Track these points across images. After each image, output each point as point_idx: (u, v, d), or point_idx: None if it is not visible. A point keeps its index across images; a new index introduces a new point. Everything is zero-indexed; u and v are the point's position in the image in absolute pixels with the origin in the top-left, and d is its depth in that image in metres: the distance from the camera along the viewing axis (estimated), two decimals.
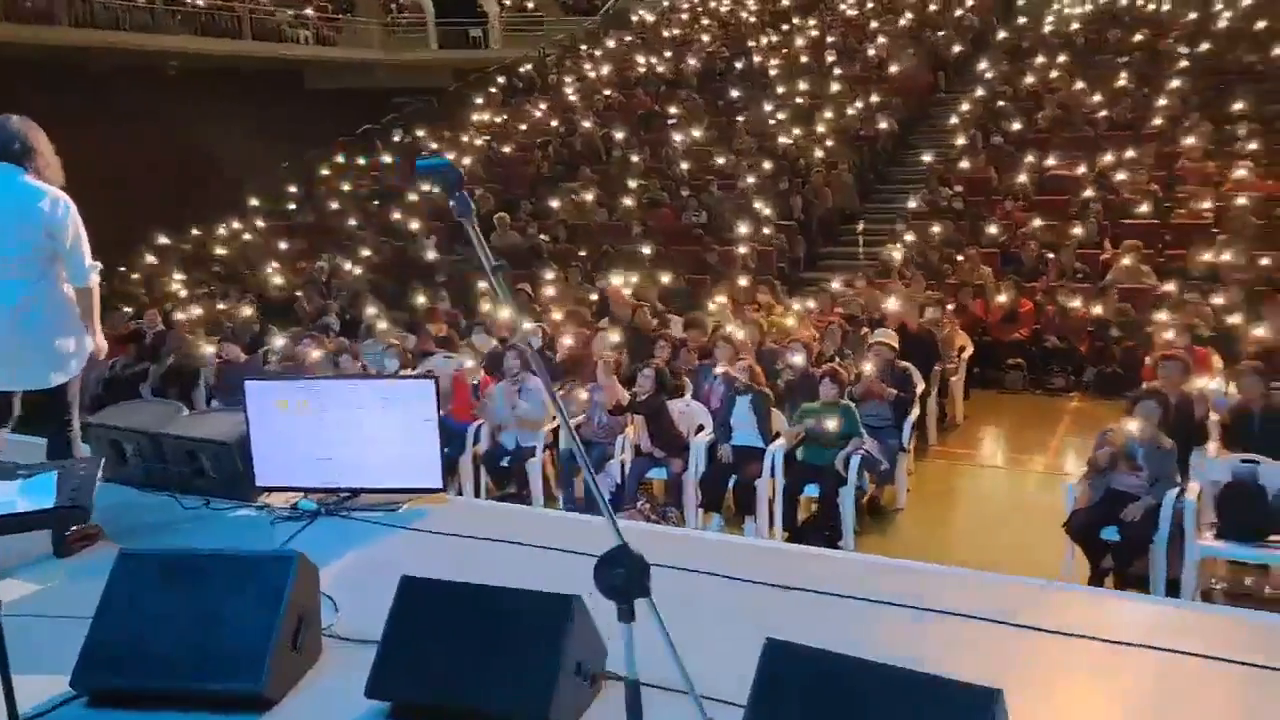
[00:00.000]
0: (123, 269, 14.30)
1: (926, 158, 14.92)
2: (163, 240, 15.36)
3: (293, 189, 18.19)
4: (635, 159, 15.84)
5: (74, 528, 4.17)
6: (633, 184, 14.87)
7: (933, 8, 20.62)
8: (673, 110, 18.11)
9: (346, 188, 16.74)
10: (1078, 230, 11.22)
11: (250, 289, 12.54)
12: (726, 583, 3.42)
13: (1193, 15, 17.17)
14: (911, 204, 13.11)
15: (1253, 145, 12.21)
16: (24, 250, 4.02)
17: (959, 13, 20.35)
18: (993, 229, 11.84)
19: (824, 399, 6.71)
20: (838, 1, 22.72)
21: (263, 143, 18.70)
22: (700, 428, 7.19)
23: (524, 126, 18.49)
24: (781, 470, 6.65)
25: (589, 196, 14.80)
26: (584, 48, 23.90)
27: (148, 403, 5.83)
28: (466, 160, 16.46)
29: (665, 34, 23.30)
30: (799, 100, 16.95)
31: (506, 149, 17.43)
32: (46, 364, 4.16)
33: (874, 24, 20.24)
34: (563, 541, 3.82)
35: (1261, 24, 16.07)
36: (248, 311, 10.89)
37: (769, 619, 2.96)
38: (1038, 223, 11.57)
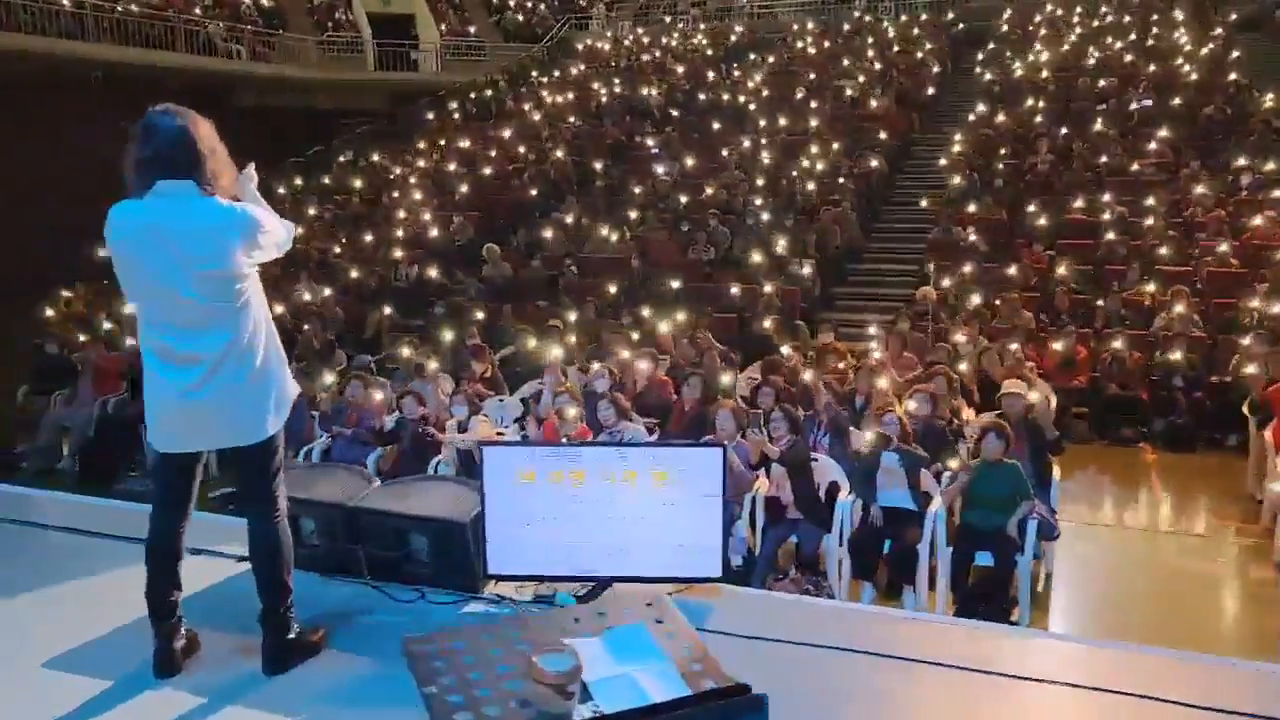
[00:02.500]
0: (68, 293, 12.91)
1: (922, 199, 14.80)
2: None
3: None
4: (637, 190, 15.21)
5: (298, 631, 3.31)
6: (633, 214, 14.25)
7: (896, 49, 20.70)
8: (649, 142, 17.62)
9: (312, 211, 15.58)
10: (1131, 275, 11.09)
11: None
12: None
13: (1152, 67, 17.60)
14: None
15: (1276, 194, 12.39)
16: (220, 292, 3.13)
17: (919, 55, 20.53)
18: (1011, 271, 11.64)
19: (987, 456, 6.19)
20: (794, 39, 22.68)
21: None
22: (833, 486, 6.58)
23: (493, 153, 17.67)
24: (944, 535, 6.10)
25: (601, 230, 14.09)
26: (535, 75, 23.23)
27: (323, 468, 4.88)
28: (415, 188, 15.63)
29: (617, 64, 22.87)
30: (785, 135, 16.64)
31: (486, 171, 16.56)
32: (252, 417, 3.29)
33: (845, 61, 20.16)
34: (880, 644, 3.21)
35: (1232, 76, 16.58)
36: None
37: None
38: (1063, 269, 11.41)
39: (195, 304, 3.11)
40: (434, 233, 14.25)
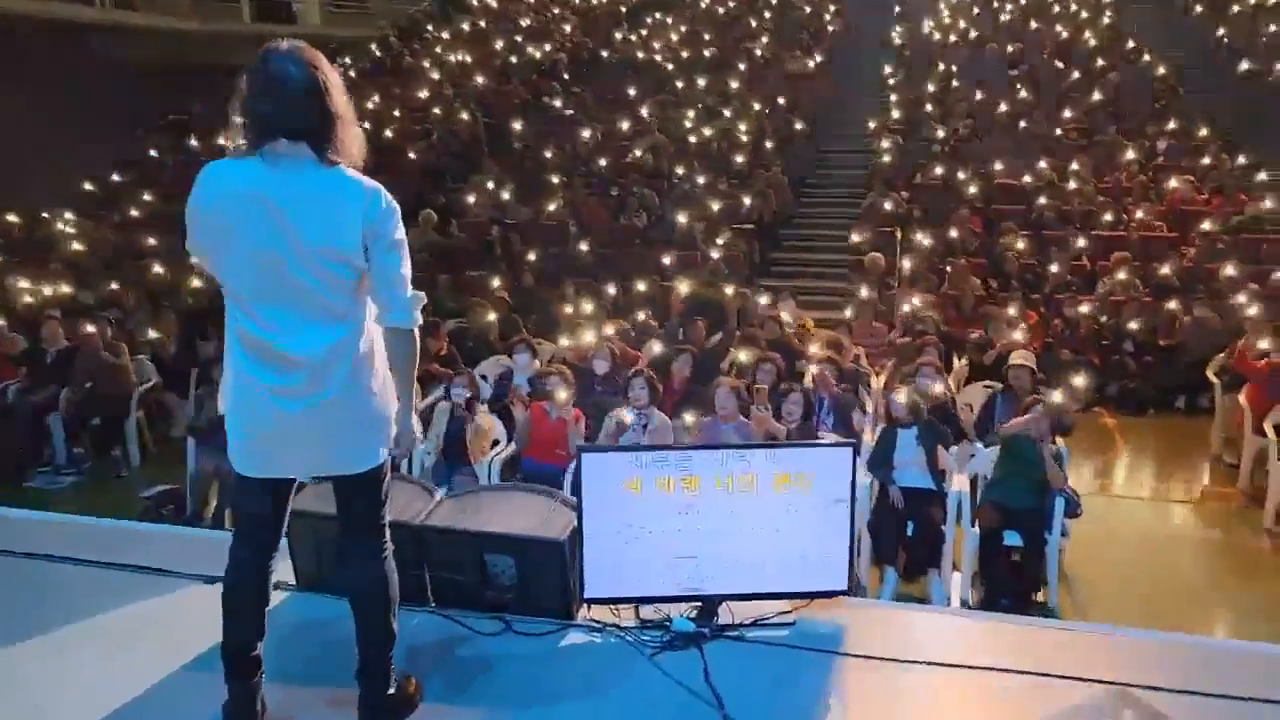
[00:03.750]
0: None
1: (848, 163, 14.68)
2: None
3: (117, 177, 15.65)
4: (548, 154, 14.54)
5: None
6: (555, 179, 13.62)
7: (807, 9, 20.48)
8: (557, 103, 16.93)
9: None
10: (1081, 242, 11.14)
11: (150, 294, 10.32)
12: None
13: (1063, 33, 17.89)
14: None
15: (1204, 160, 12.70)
16: (335, 278, 2.57)
17: (827, 16, 20.38)
18: (953, 234, 11.58)
19: (1026, 431, 5.96)
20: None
21: (49, 115, 16.01)
22: None
23: (396, 112, 16.68)
24: (969, 515, 5.88)
25: (505, 194, 13.40)
26: (429, 29, 22.11)
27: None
28: None
29: (515, 19, 21.97)
30: (708, 98, 16.22)
31: (388, 134, 15.58)
32: (362, 438, 2.71)
33: (754, 22, 19.83)
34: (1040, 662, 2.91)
35: (1130, 44, 16.97)
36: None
37: None
38: (1020, 239, 11.35)
39: (304, 286, 2.54)
40: None
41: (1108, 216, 11.68)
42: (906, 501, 5.92)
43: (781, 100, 15.91)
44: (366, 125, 15.28)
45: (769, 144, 14.42)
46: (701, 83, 16.75)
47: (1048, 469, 5.76)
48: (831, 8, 20.87)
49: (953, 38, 18.17)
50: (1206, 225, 11.20)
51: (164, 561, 3.76)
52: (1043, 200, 12.07)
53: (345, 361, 2.61)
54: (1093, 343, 9.78)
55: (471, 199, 13.30)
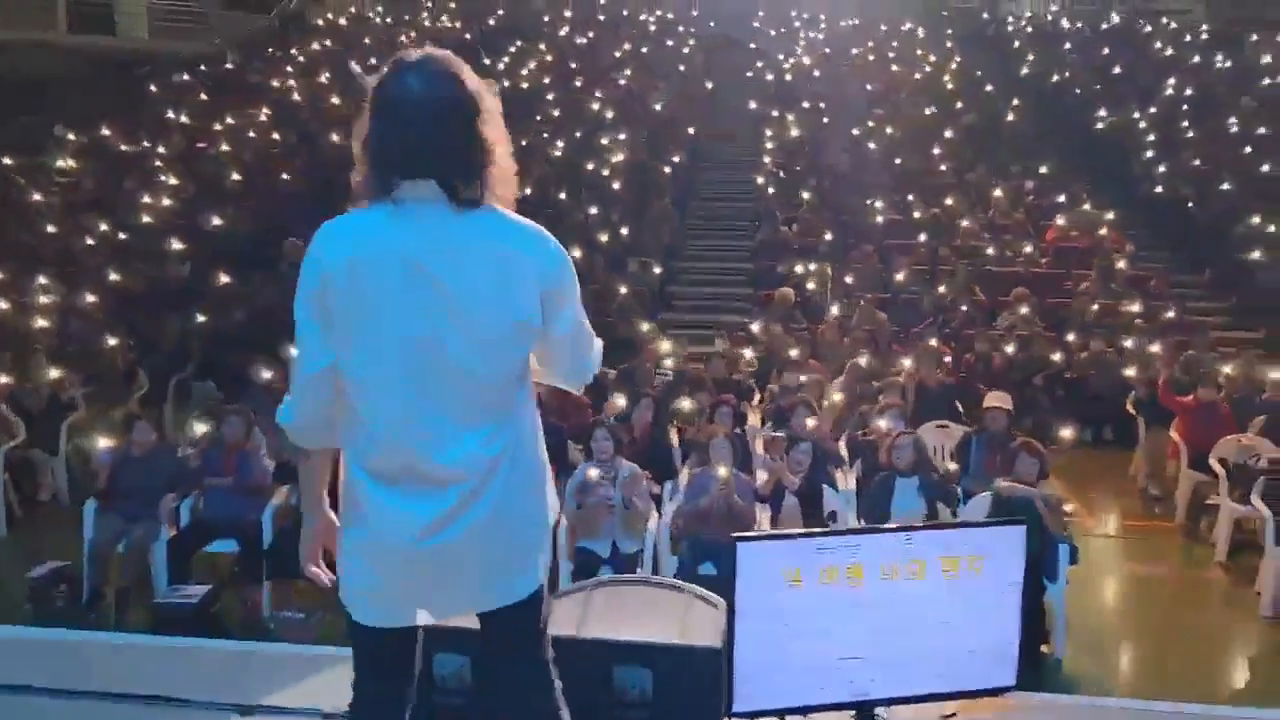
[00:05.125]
0: None
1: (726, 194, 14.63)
2: None
3: None
4: None
5: None
6: None
7: (669, 42, 20.50)
8: None
9: (38, 197, 12.80)
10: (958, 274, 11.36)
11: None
12: None
13: (918, 75, 18.55)
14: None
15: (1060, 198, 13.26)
16: (506, 360, 2.02)
17: (686, 50, 20.46)
18: (849, 278, 11.58)
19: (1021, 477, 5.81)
20: (558, 28, 21.88)
21: None
22: (831, 516, 5.96)
23: (252, 134, 15.50)
24: None
25: None
26: (272, 50, 20.84)
27: None
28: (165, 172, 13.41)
29: (363, 42, 21.01)
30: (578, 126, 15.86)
31: (246, 157, 14.43)
32: (521, 557, 2.15)
33: (616, 53, 19.65)
34: None
35: (989, 87, 17.77)
36: (53, 373, 7.68)
37: None
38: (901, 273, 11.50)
39: (465, 376, 1.96)
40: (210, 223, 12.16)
41: (990, 251, 12.02)
42: None
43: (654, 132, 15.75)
44: (225, 147, 14.44)
45: (654, 176, 14.16)
46: (569, 112, 16.40)
47: (1047, 515, 5.64)
48: (691, 42, 21.01)
49: (817, 73, 18.54)
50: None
51: (169, 686, 3.02)
52: (924, 236, 12.31)
53: (509, 468, 2.05)
54: (1005, 377, 9.93)
55: None
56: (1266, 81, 17.24)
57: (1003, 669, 2.97)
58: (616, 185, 13.71)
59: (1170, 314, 10.54)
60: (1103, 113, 16.09)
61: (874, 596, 2.83)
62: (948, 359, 9.89)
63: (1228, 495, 6.96)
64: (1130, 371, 8.94)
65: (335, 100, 17.07)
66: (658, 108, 16.90)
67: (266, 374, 7.47)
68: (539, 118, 16.24)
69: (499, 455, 2.02)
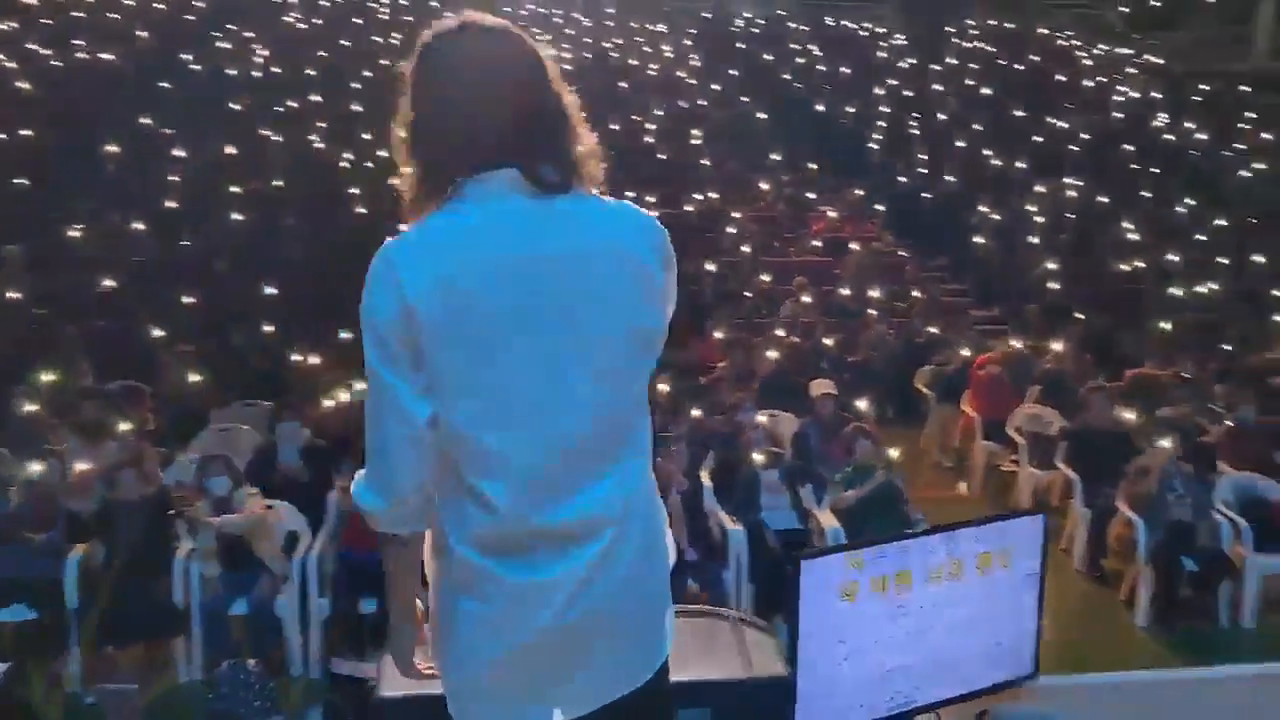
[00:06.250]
0: None
1: None
2: None
3: None
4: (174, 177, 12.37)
5: None
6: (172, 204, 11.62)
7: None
8: (148, 120, 14.53)
9: None
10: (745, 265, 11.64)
11: None
12: None
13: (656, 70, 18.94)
14: None
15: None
16: (635, 379, 1.70)
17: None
18: None
19: (861, 459, 5.96)
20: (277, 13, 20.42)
21: None
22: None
23: None
24: None
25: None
26: None
27: None
28: None
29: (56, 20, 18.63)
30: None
31: None
32: (655, 623, 1.84)
33: (347, 41, 18.61)
34: None
35: (727, 85, 18.40)
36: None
37: None
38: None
39: (591, 406, 1.63)
40: None
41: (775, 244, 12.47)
42: (784, 546, 5.70)
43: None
44: None
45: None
46: (319, 99, 15.37)
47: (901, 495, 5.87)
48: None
49: (567, 68, 18.40)
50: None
51: None
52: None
53: (646, 507, 1.75)
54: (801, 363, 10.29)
55: (75, 234, 10.88)
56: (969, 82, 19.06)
57: (1024, 659, 2.98)
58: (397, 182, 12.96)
59: (917, 294, 11.32)
60: (836, 109, 17.13)
61: (920, 601, 2.75)
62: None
63: (1027, 462, 7.56)
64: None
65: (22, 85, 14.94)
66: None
67: (29, 405, 6.38)
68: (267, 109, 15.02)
69: (632, 495, 1.70)
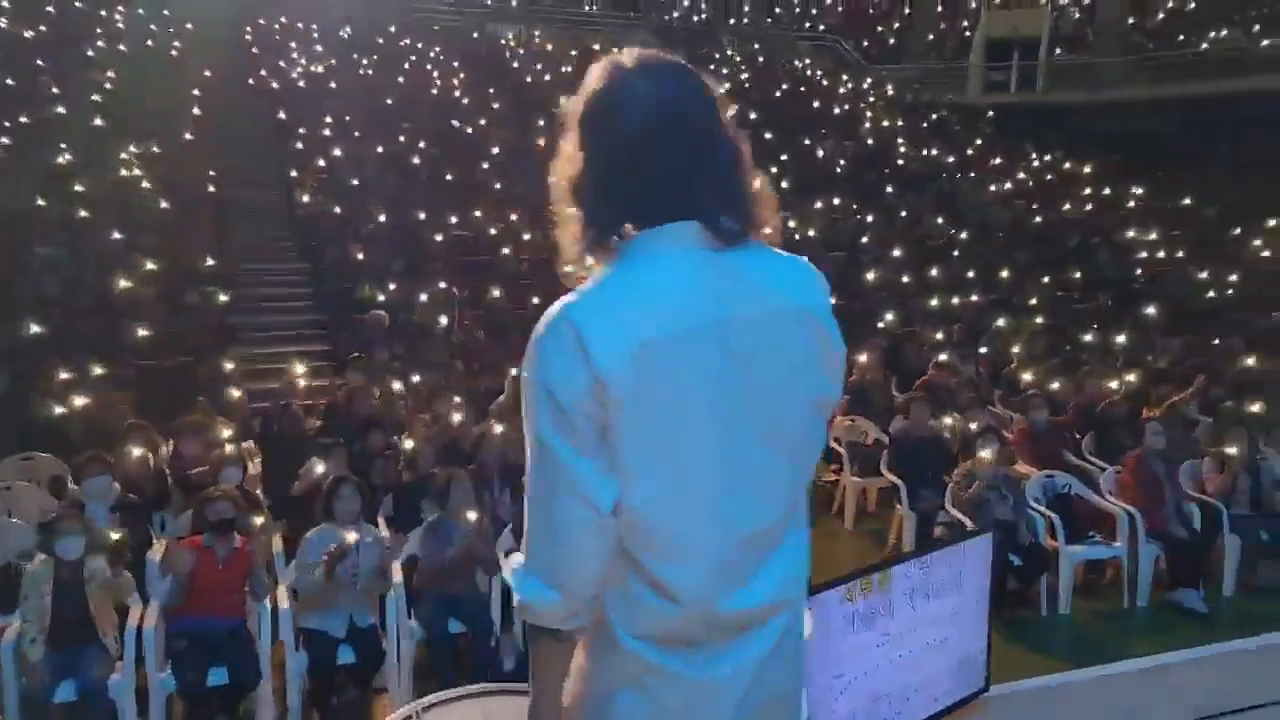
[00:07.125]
0: None
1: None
2: None
3: None
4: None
5: None
6: None
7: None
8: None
9: None
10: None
11: None
12: None
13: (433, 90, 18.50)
14: None
15: None
16: (809, 450, 1.61)
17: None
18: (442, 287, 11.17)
19: None
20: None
21: None
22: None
23: None
24: None
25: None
26: None
27: None
28: None
29: None
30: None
31: None
32: (799, 702, 1.73)
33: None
34: None
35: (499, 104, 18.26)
36: None
37: None
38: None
39: (777, 488, 1.54)
40: None
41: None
42: None
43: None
44: None
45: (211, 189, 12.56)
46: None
47: None
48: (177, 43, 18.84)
49: (333, 84, 17.67)
50: None
51: None
52: (506, 251, 12.34)
53: (804, 590, 1.67)
54: None
55: None
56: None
57: (976, 674, 3.11)
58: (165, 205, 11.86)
59: None
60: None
61: (900, 625, 2.81)
62: None
63: (849, 471, 7.93)
64: None
65: None
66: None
67: None
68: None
69: (802, 573, 1.61)
